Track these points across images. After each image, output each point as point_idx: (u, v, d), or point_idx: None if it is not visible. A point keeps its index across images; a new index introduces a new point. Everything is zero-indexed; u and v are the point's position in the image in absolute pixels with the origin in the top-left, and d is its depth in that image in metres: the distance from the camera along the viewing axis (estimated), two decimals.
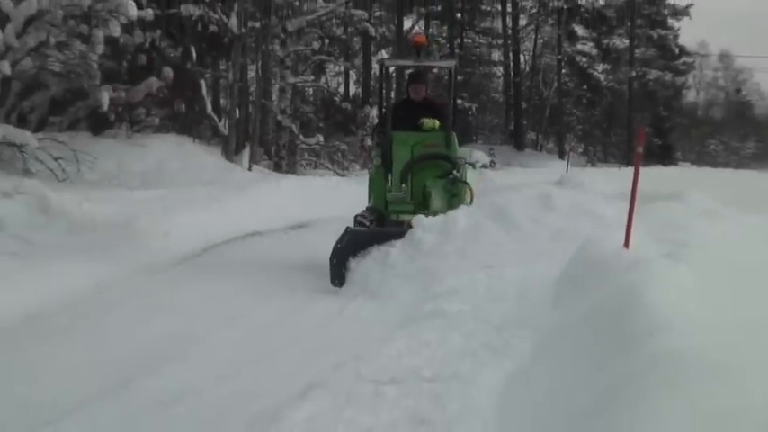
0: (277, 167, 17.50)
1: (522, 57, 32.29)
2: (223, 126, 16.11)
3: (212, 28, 15.14)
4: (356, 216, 6.86)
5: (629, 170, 5.44)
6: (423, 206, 6.54)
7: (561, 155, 27.70)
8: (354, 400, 3.14)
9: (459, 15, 30.50)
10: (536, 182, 10.92)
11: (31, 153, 10.81)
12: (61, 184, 10.21)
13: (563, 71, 31.71)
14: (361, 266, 5.91)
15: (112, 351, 4.15)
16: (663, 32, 32.03)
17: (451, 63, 7.81)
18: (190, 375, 3.74)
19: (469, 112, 26.65)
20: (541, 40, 32.41)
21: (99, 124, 13.46)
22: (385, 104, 7.44)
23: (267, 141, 18.26)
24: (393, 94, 9.66)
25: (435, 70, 17.01)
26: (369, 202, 7.07)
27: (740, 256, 4.65)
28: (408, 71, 7.65)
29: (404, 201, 6.71)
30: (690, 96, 35.99)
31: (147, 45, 13.49)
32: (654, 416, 2.24)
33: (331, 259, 5.91)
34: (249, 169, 15.23)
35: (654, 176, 5.71)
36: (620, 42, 32.06)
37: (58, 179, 10.63)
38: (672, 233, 5.32)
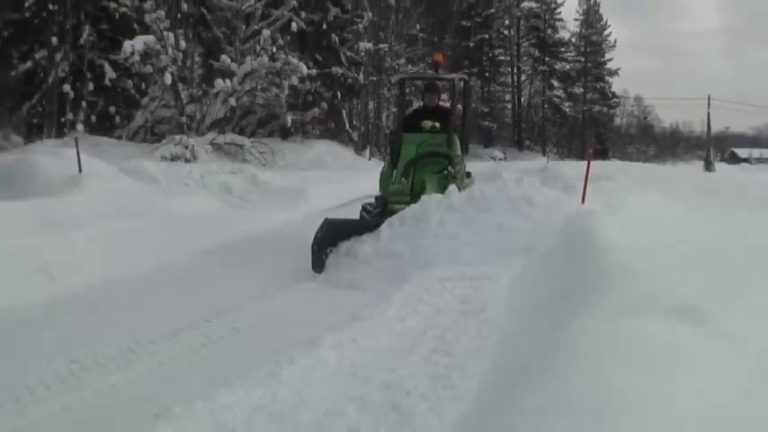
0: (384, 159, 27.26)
1: (522, 98, 51.64)
2: (355, 136, 26.59)
3: (349, 80, 23.76)
4: (364, 204, 7.52)
5: (584, 163, 6.57)
6: (419, 197, 6.57)
7: (543, 153, 43.04)
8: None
9: (486, 74, 45.50)
10: (530, 167, 18.67)
11: (247, 150, 16.91)
12: (263, 168, 15.14)
13: (545, 106, 51.86)
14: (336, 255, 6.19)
15: (301, 240, 6.61)
16: (602, 84, 53.19)
17: (460, 75, 8.40)
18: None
19: (491, 128, 45.78)
20: (533, 89, 52.63)
21: (285, 134, 21.15)
22: (401, 111, 8.38)
23: (379, 144, 29.12)
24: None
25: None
26: (380, 193, 7.59)
27: (645, 212, 6.99)
28: (425, 83, 8.16)
29: (402, 192, 6.96)
30: (617, 121, 61.18)
31: (312, 90, 20.99)
32: (601, 297, 3.29)
33: (312, 247, 6.19)
34: (369, 160, 23.97)
35: (596, 167, 7.42)
36: (578, 89, 52.53)
37: (262, 165, 16.10)
38: (608, 198, 7.36)
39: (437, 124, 7.37)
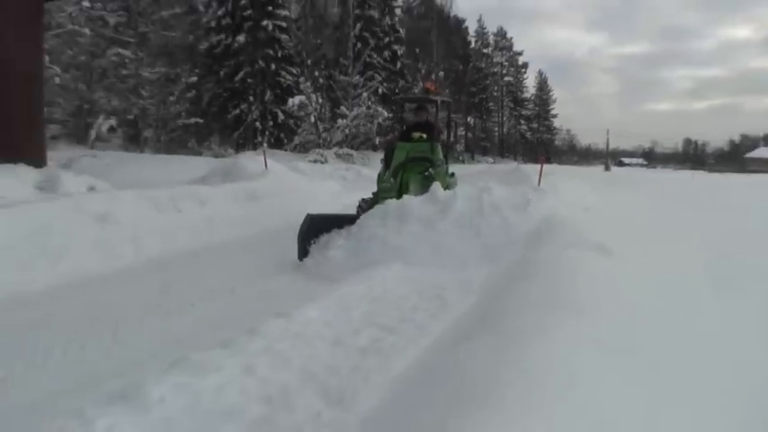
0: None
1: (503, 128, 78.57)
2: None
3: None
4: (360, 199, 8.39)
5: (538, 165, 8.29)
6: (404, 193, 7.59)
7: (515, 159, 64.21)
8: None
9: (483, 117, 72.72)
10: (507, 167, 29.84)
11: (355, 157, 30.84)
12: (363, 166, 28.71)
13: (516, 134, 79.72)
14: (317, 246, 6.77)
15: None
16: (547, 122, 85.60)
17: (443, 97, 9.75)
18: None
19: (486, 146, 71.68)
20: (509, 124, 79.40)
21: (374, 148, 32.76)
22: (400, 125, 9.75)
23: None
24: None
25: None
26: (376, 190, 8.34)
27: (571, 191, 9.41)
28: (416, 104, 9.16)
29: (390, 190, 7.87)
30: (556, 142, 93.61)
31: (389, 125, 33.38)
32: (554, 238, 4.91)
33: (298, 238, 6.88)
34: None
35: (544, 167, 7.88)
36: (534, 125, 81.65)
37: (362, 165, 29.80)
38: (551, 184, 8.88)
39: (424, 135, 8.24)
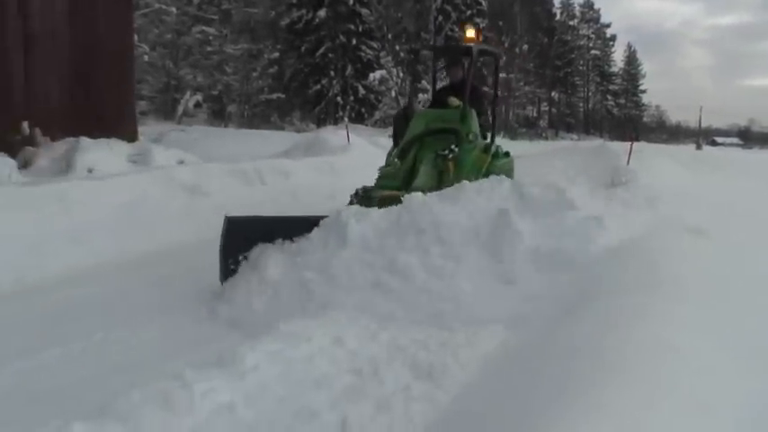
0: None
1: (589, 105, 75.70)
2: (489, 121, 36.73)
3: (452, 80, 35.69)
4: (360, 188, 5.97)
5: (624, 143, 9.09)
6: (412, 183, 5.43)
7: (600, 137, 61.30)
8: None
9: (569, 92, 69.34)
10: (592, 144, 28.76)
11: None
12: None
13: (602, 110, 75.72)
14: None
15: None
16: (636, 98, 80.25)
17: (482, 46, 6.91)
18: None
19: (571, 122, 68.24)
20: (595, 99, 75.76)
21: None
22: (412, 85, 8.49)
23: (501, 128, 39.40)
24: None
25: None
26: None
27: (661, 168, 9.74)
28: (447, 58, 7.07)
29: (393, 177, 5.70)
30: (644, 119, 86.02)
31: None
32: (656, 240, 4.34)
33: (219, 251, 4.58)
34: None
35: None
36: (622, 101, 77.12)
37: None
38: (640, 162, 9.60)
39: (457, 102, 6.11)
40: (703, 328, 2.87)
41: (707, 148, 45.89)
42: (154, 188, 6.94)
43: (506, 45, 43.60)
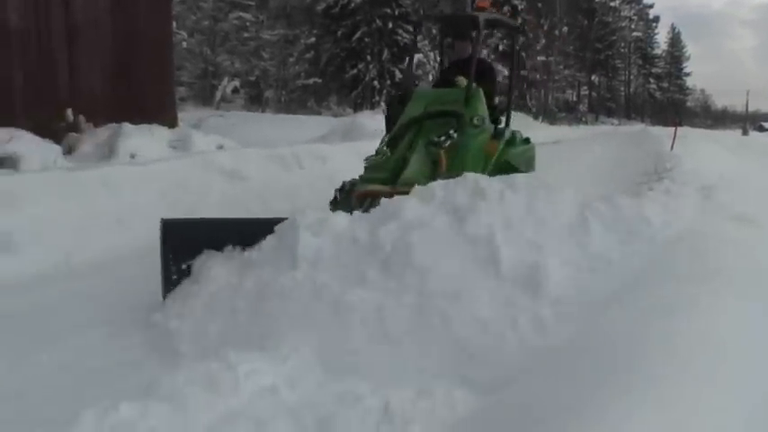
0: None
1: (630, 88, 73.57)
2: (533, 109, 36.08)
3: (531, 79, 34.68)
4: (343, 182, 5.25)
5: (667, 128, 11.29)
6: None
7: (642, 122, 58.48)
8: None
9: (610, 75, 68.77)
10: (633, 129, 30.00)
11: None
12: None
13: (644, 94, 74.39)
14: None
15: None
16: (679, 81, 78.87)
17: (494, 15, 5.93)
18: None
19: (611, 106, 67.29)
20: (637, 83, 74.29)
21: None
22: (410, 63, 6.46)
23: (546, 114, 38.32)
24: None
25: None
26: None
27: (707, 154, 10.06)
28: (454, 32, 6.05)
29: (380, 168, 4.81)
30: (688, 103, 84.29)
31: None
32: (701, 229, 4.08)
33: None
34: (540, 122, 34.14)
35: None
36: (665, 84, 74.96)
37: None
38: (685, 147, 10.37)
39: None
40: (751, 321, 2.78)
41: (753, 134, 44.52)
42: (194, 173, 7.03)
43: (545, 28, 42.95)
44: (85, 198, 5.90)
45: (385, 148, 5.08)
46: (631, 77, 74.02)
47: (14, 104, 9.05)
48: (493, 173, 4.86)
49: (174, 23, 20.99)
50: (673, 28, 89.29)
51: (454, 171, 4.32)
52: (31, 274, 4.70)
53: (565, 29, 50.41)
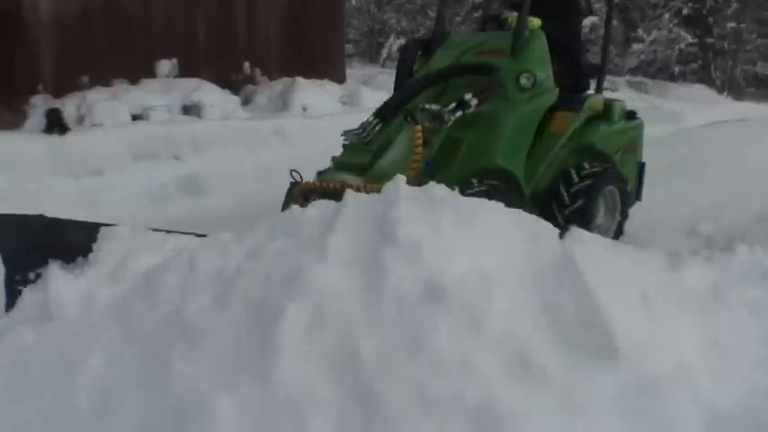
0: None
1: None
2: (718, 82, 32.70)
3: (717, 47, 31.55)
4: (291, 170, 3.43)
5: None
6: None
7: None
8: None
9: None
10: None
11: (646, 85, 28.52)
12: (657, 97, 27.30)
13: None
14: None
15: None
16: None
17: None
18: None
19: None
20: None
21: (672, 78, 30.46)
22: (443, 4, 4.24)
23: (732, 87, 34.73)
24: None
25: None
26: None
27: None
28: None
29: (360, 150, 3.33)
30: None
31: (692, 52, 29.99)
32: None
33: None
34: (726, 96, 30.91)
35: None
36: None
37: (656, 96, 27.72)
38: None
39: (536, 20, 3.56)
40: None
41: None
42: None
43: None
44: (262, 146, 6.12)
45: (373, 120, 3.45)
46: None
47: (198, 57, 9.63)
48: (564, 161, 3.61)
49: None
50: None
51: (475, 159, 3.08)
52: (215, 215, 4.90)
53: None
